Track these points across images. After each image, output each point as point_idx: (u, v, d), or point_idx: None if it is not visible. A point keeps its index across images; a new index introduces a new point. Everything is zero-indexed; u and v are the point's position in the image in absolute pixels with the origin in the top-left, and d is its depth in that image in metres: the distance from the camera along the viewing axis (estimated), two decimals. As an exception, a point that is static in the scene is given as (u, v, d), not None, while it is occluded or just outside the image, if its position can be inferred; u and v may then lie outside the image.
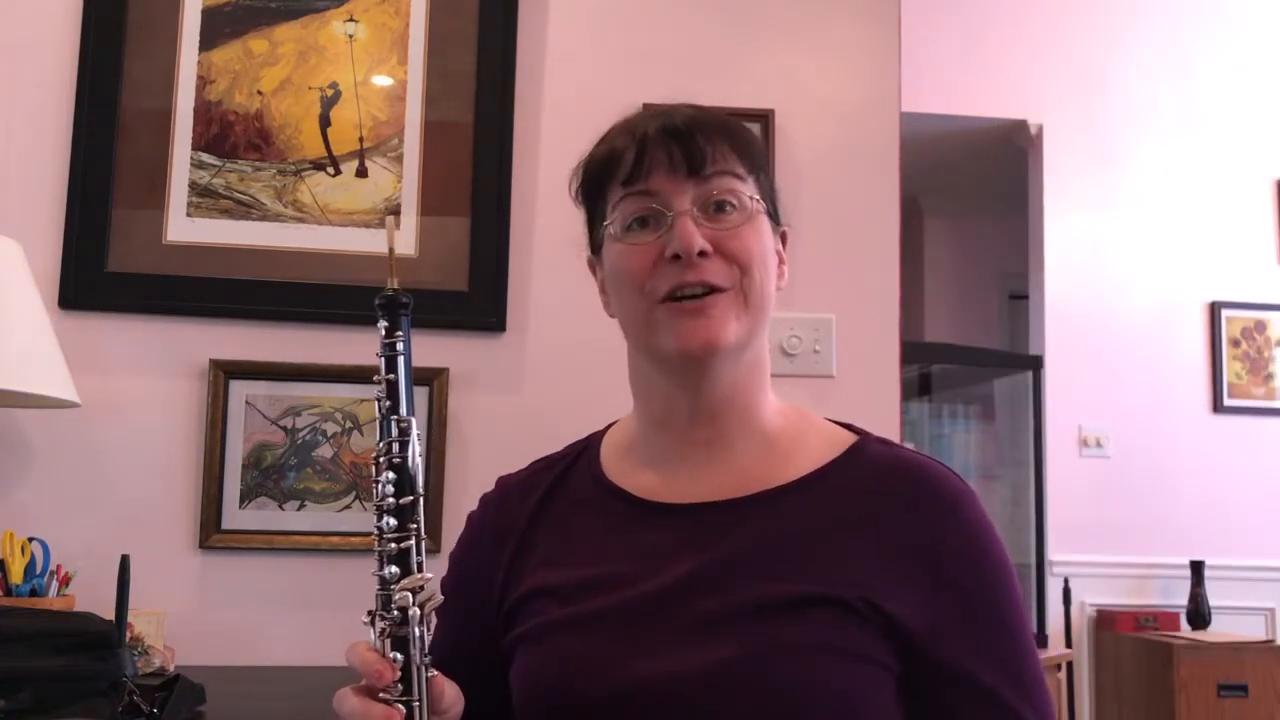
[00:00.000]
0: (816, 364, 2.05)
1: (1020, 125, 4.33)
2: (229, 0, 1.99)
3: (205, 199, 1.95)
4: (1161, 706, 3.67)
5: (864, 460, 0.94)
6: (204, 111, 1.97)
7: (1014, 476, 4.20)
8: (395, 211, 1.98)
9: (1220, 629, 3.97)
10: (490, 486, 1.06)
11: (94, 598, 1.60)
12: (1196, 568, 3.98)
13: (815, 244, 2.03)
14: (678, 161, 0.91)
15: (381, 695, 0.80)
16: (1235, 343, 4.27)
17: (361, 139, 1.99)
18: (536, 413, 1.98)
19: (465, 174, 2.00)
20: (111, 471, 1.88)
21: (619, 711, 0.85)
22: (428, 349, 1.94)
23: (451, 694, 0.84)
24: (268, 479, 1.91)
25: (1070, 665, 3.90)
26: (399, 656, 0.80)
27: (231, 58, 1.98)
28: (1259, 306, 4.29)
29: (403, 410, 0.84)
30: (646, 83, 2.05)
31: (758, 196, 0.94)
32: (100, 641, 1.33)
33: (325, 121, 1.99)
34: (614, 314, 0.98)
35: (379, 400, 0.85)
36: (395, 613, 0.80)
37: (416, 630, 0.81)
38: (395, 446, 0.84)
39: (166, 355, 1.92)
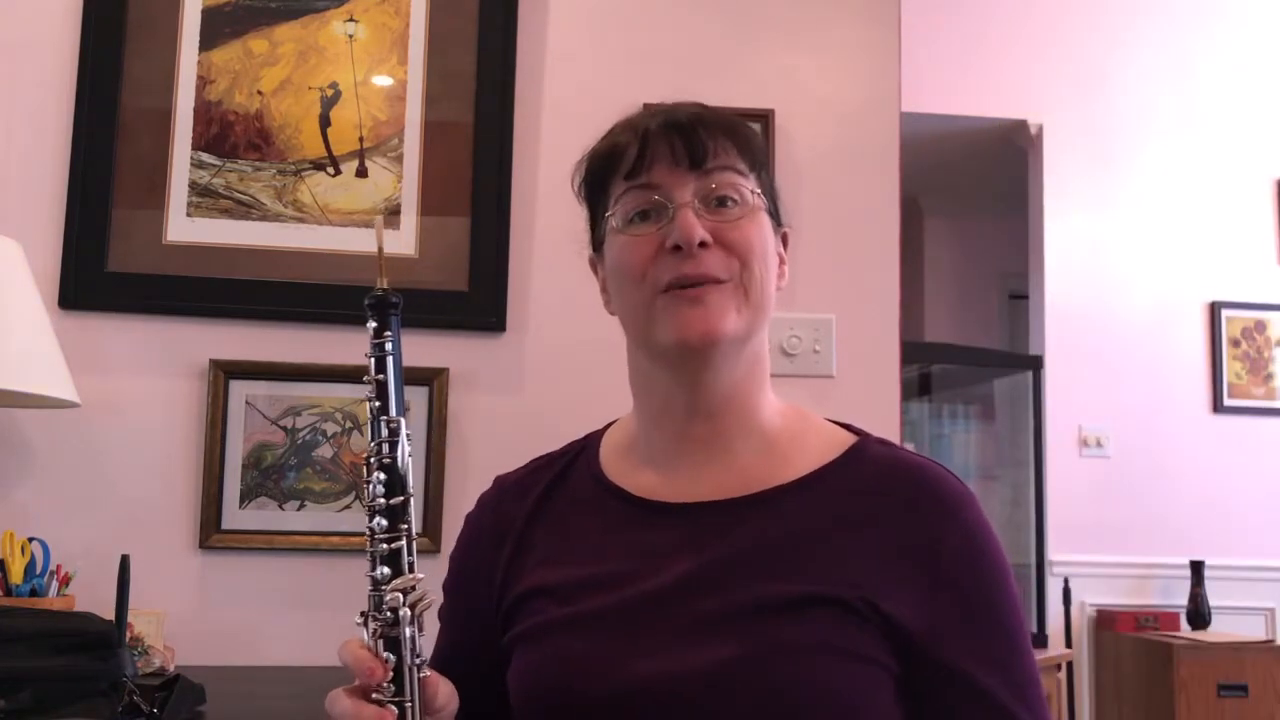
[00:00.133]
0: (816, 364, 2.05)
1: (1020, 125, 4.33)
2: (229, 0, 1.99)
3: (205, 199, 1.95)
4: (1161, 706, 3.67)
5: (864, 461, 0.94)
6: (204, 111, 1.97)
7: (1014, 476, 4.20)
8: (395, 211, 1.98)
9: (1220, 629, 3.97)
10: (490, 486, 1.06)
11: (94, 598, 1.60)
12: (1196, 568, 3.98)
13: (815, 244, 2.03)
14: (680, 155, 0.91)
15: (374, 696, 0.80)
16: (1235, 343, 4.27)
17: (361, 139, 1.99)
18: (536, 413, 1.98)
19: (465, 174, 2.00)
20: (111, 471, 1.88)
21: (618, 711, 0.85)
22: (428, 349, 1.94)
23: (445, 693, 0.84)
24: (268, 479, 1.91)
25: (1070, 665, 3.90)
26: (392, 657, 0.80)
27: (231, 58, 1.98)
28: (1259, 306, 4.29)
29: (392, 410, 0.84)
30: (646, 83, 2.05)
31: (759, 191, 0.94)
32: (100, 641, 1.33)
33: (325, 121, 1.99)
34: (614, 311, 0.98)
35: (369, 400, 0.84)
36: (387, 614, 0.81)
37: (408, 631, 0.81)
38: (385, 447, 0.84)
39: (166, 355, 1.92)
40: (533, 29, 2.07)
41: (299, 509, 1.91)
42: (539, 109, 2.05)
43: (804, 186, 2.06)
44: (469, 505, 1.06)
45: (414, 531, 0.84)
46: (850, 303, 2.08)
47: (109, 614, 1.42)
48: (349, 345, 1.92)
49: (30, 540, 1.70)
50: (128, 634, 1.49)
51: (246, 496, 1.90)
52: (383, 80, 2.01)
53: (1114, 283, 4.24)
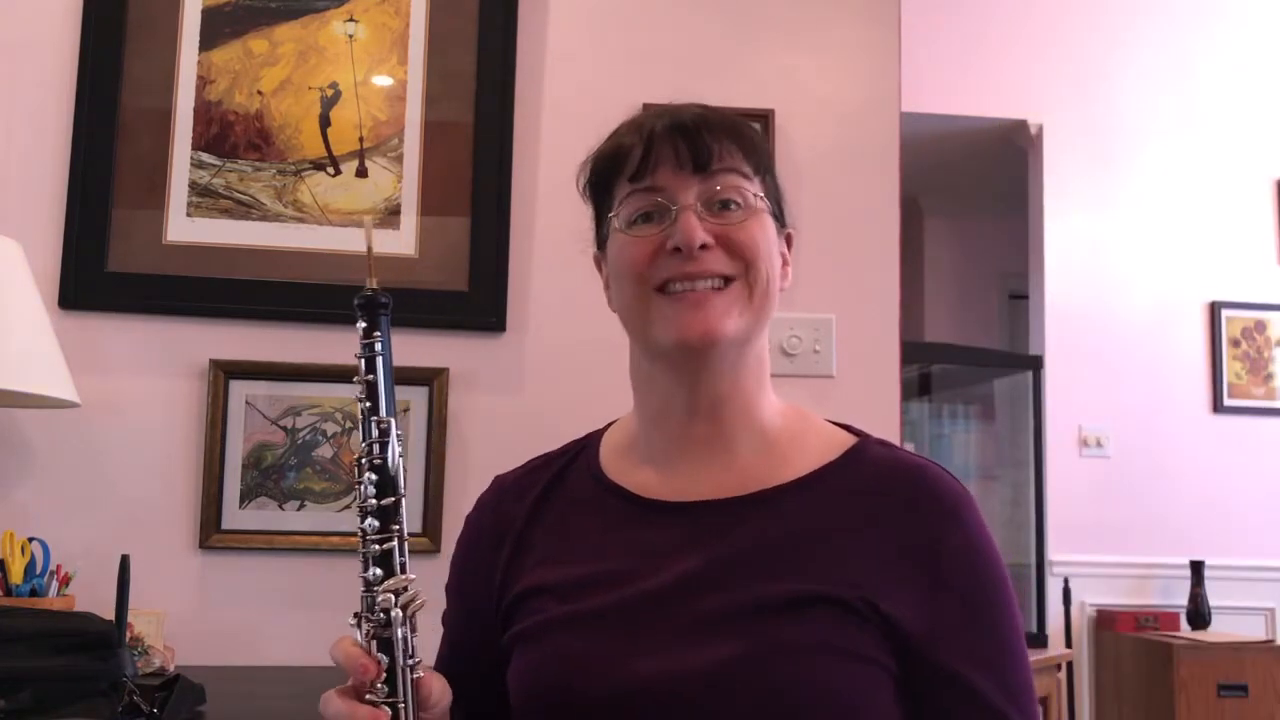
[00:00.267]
0: (816, 364, 2.05)
1: (1020, 125, 4.33)
2: (229, 0, 1.99)
3: (205, 199, 1.95)
4: (1161, 706, 3.67)
5: (864, 462, 0.94)
6: (204, 111, 1.97)
7: (1014, 476, 4.19)
8: (395, 211, 1.98)
9: (1220, 629, 3.97)
10: (488, 487, 1.06)
11: (94, 598, 1.60)
12: (1196, 568, 3.98)
13: (815, 244, 2.03)
14: (684, 158, 0.92)
15: (368, 696, 0.80)
16: (1235, 343, 4.27)
17: (361, 139, 1.99)
18: (536, 413, 1.98)
19: (465, 174, 2.00)
20: (111, 471, 1.88)
21: (619, 710, 0.86)
22: (428, 349, 1.94)
23: (438, 689, 0.84)
24: (268, 479, 1.91)
25: (1070, 665, 3.90)
26: (385, 658, 0.80)
27: (231, 58, 1.98)
28: (1259, 306, 4.29)
29: (382, 411, 0.84)
30: (646, 83, 2.05)
31: (761, 195, 0.94)
32: (100, 641, 1.33)
33: (325, 121, 1.99)
34: (616, 308, 0.98)
35: (359, 401, 0.84)
36: (380, 615, 0.80)
37: (400, 632, 0.81)
38: (376, 448, 0.83)
39: (166, 355, 1.92)
40: (533, 29, 2.07)
41: (299, 509, 1.91)
42: (539, 109, 2.05)
43: (804, 186, 2.06)
44: (469, 505, 1.06)
45: (405, 532, 0.84)
46: (850, 303, 2.08)
47: (109, 614, 1.42)
48: (349, 345, 1.89)
49: (30, 540, 1.70)
50: (128, 634, 1.49)
51: (246, 496, 1.90)
52: (383, 80, 2.01)
53: (1114, 283, 4.24)
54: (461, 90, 2.02)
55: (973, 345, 4.92)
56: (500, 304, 1.98)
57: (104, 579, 1.53)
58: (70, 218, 1.91)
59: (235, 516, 1.89)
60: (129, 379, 1.91)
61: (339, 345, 1.92)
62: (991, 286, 5.39)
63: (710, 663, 0.84)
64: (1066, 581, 4.03)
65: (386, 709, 0.79)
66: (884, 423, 2.03)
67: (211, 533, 1.88)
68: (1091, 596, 4.09)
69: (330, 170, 1.98)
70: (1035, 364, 4.10)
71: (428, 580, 0.86)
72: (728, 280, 0.91)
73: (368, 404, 0.84)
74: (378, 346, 0.85)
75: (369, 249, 0.86)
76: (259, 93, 1.98)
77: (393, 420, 0.84)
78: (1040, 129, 4.30)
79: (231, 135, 1.97)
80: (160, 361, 1.92)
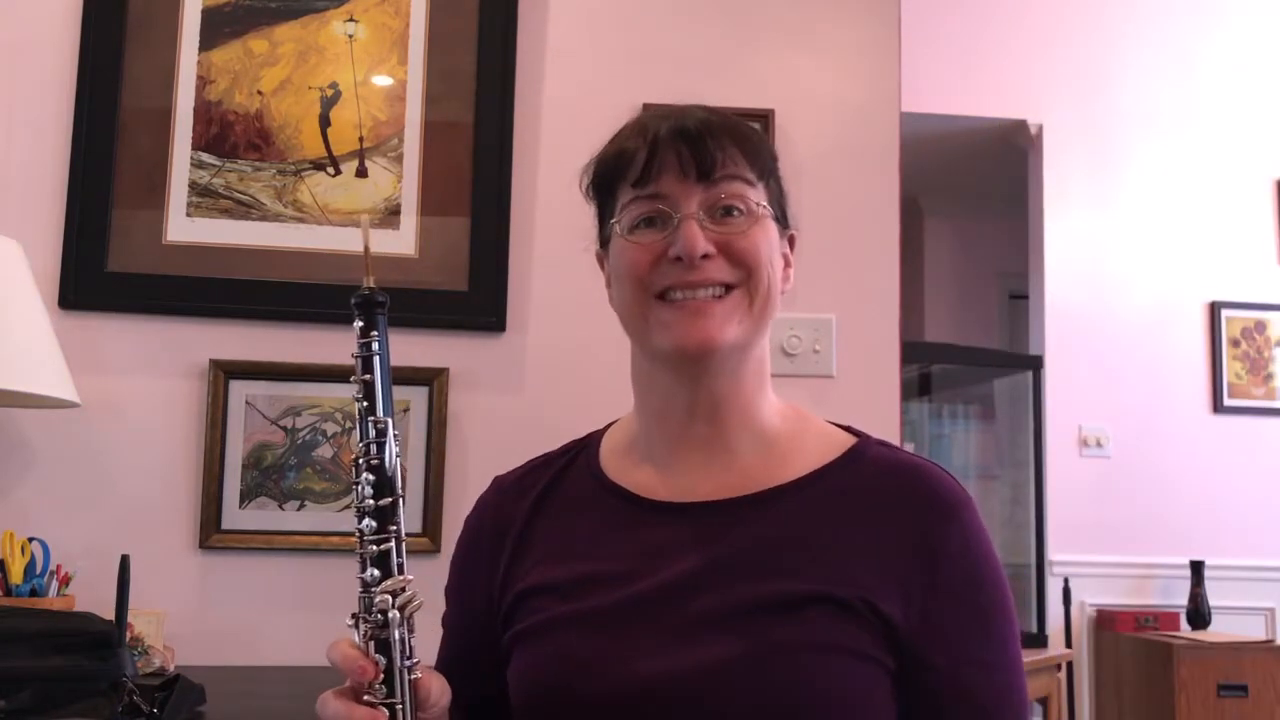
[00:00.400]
0: (816, 364, 2.05)
1: (1020, 125, 4.33)
2: (229, 0, 1.99)
3: (205, 199, 1.95)
4: (1161, 706, 3.67)
5: (863, 462, 0.94)
6: (204, 111, 1.97)
7: (1014, 476, 4.19)
8: (395, 211, 1.98)
9: (1220, 629, 3.97)
10: (488, 488, 1.06)
11: (94, 598, 1.60)
12: (1196, 568, 3.98)
13: (815, 244, 2.03)
14: (687, 165, 0.91)
15: (365, 697, 0.80)
16: (1235, 343, 4.27)
17: (361, 139, 1.99)
18: (536, 413, 1.98)
19: (465, 174, 2.00)
20: (111, 471, 1.88)
21: (619, 709, 0.86)
22: (428, 349, 1.94)
23: (437, 689, 0.84)
24: (268, 479, 1.91)
25: (1070, 665, 3.90)
26: (383, 659, 0.80)
27: (231, 58, 1.98)
28: (1259, 306, 4.29)
29: (379, 411, 0.83)
30: (646, 83, 2.06)
31: (764, 203, 0.94)
32: (100, 641, 1.33)
33: (325, 121, 1.99)
34: (617, 309, 0.98)
35: (357, 401, 0.84)
36: (377, 616, 0.80)
37: (397, 633, 0.80)
38: (373, 448, 0.83)
39: (166, 355, 1.92)
40: (533, 29, 2.07)
41: (299, 509, 1.91)
42: (539, 109, 2.05)
43: (804, 186, 2.05)
44: (469, 505, 1.06)
45: (403, 533, 0.84)
46: (850, 303, 2.08)
47: (109, 614, 1.42)
48: (349, 345, 1.90)
49: (30, 540, 1.70)
50: (128, 634, 1.49)
51: (246, 496, 1.90)
52: (383, 80, 2.01)
53: (1114, 283, 4.24)
54: (461, 90, 2.02)
55: (973, 345, 4.92)
56: (500, 304, 1.98)
57: (104, 579, 1.53)
58: (70, 218, 1.91)
59: (235, 516, 1.89)
60: (129, 379, 1.91)
61: (339, 345, 1.92)
62: (991, 286, 5.39)
63: (710, 662, 0.84)
64: (1066, 581, 4.03)
65: (384, 710, 0.79)
66: (884, 423, 2.03)
67: (211, 533, 1.88)
68: (1091, 596, 4.09)
69: (330, 170, 1.98)
70: (1035, 364, 4.10)
71: (428, 581, 0.86)
72: (729, 288, 0.91)
73: (365, 404, 0.84)
74: (375, 346, 0.84)
75: (365, 248, 0.86)
76: (259, 93, 1.98)
77: (390, 421, 0.84)
78: (1040, 129, 4.30)
79: (231, 135, 1.97)
80: (160, 361, 1.92)
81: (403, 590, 0.81)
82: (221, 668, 1.75)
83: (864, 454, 0.95)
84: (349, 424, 1.92)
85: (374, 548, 0.82)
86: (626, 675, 0.86)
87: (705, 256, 0.90)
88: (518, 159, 2.02)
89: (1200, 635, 3.84)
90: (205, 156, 1.96)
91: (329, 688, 0.82)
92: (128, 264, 1.92)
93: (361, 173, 1.98)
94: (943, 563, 0.88)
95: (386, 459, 0.83)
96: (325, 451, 1.92)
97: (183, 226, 1.94)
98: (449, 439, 1.94)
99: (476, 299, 1.98)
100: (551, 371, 2.00)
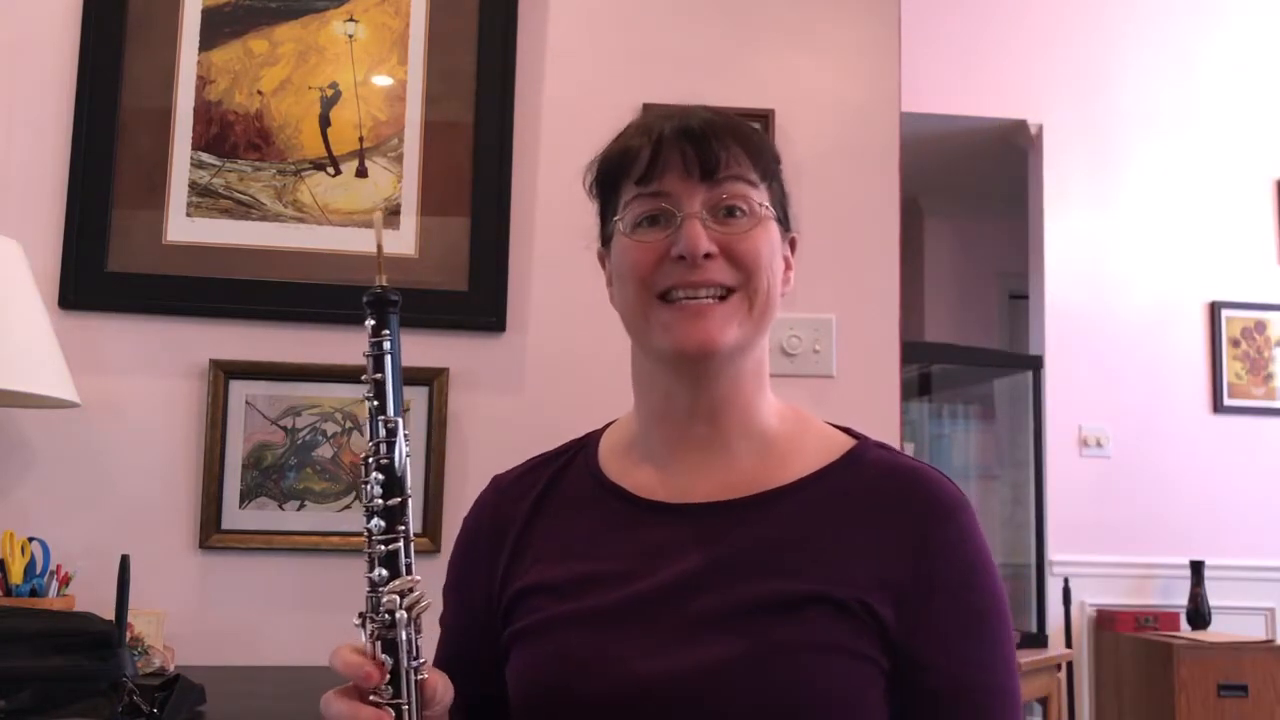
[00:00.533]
0: (816, 364, 2.05)
1: (1020, 125, 4.33)
2: (229, 0, 1.99)
3: (205, 199, 1.95)
4: (1161, 706, 3.67)
5: (862, 465, 0.94)
6: (204, 111, 1.97)
7: (1014, 476, 4.20)
8: (395, 211, 1.98)
9: (1220, 629, 3.97)
10: (486, 487, 1.06)
11: (94, 598, 1.61)
12: (1196, 568, 3.98)
13: (815, 244, 2.03)
14: (691, 164, 0.91)
15: (371, 698, 0.79)
16: (1235, 343, 4.27)
17: (361, 139, 1.99)
18: (536, 413, 1.98)
19: (465, 174, 2.00)
20: (111, 471, 1.88)
21: (617, 709, 0.86)
22: (428, 349, 1.94)
23: (441, 687, 0.84)
24: (268, 479, 1.91)
25: (1070, 665, 3.90)
26: (389, 660, 0.80)
27: (231, 58, 1.98)
28: (1259, 306, 4.29)
29: (390, 410, 0.83)
30: (646, 83, 2.06)
31: (767, 204, 0.94)
32: (100, 641, 1.33)
33: (325, 121, 1.99)
34: (618, 308, 0.99)
35: (367, 400, 0.83)
36: (384, 616, 0.80)
37: (405, 633, 0.80)
38: (383, 447, 0.83)
39: (166, 355, 1.92)
40: (533, 29, 2.07)
41: (299, 509, 1.91)
42: (539, 109, 2.05)
43: (804, 186, 2.05)
44: (469, 505, 1.06)
45: (412, 533, 0.84)
46: (850, 303, 2.08)
47: (109, 614, 1.42)
48: (349, 345, 1.92)
49: (30, 540, 1.70)
50: (128, 634, 1.49)
51: (246, 496, 1.90)
52: (383, 80, 2.01)
53: (1114, 283, 4.24)
54: (461, 90, 2.02)
55: (973, 345, 4.92)
56: (500, 304, 1.98)
57: (104, 579, 1.53)
58: (70, 218, 1.91)
59: (235, 516, 1.89)
60: (129, 379, 1.91)
61: (339, 345, 1.92)
62: (991, 286, 5.39)
63: (708, 662, 0.85)
64: (1066, 581, 4.03)
65: (389, 710, 0.79)
66: (884, 423, 2.03)
67: (211, 533, 1.88)
68: (1091, 596, 4.09)
69: (330, 170, 1.98)
70: (1035, 364, 4.10)
71: (428, 581, 0.86)
72: (729, 291, 0.91)
73: (375, 403, 0.83)
74: (386, 345, 0.83)
75: (379, 246, 0.85)
76: (259, 93, 1.98)
77: (400, 420, 0.83)
78: (1040, 129, 4.30)
79: (231, 135, 1.97)
80: (160, 361, 1.92)
81: (411, 590, 0.81)
82: (221, 668, 1.75)
83: (863, 456, 0.95)
84: (349, 424, 1.92)
85: (382, 547, 0.81)
86: (626, 675, 0.86)
87: (708, 256, 0.90)
88: (518, 159, 2.02)
89: (1200, 635, 3.84)
90: (205, 156, 1.96)
91: (329, 688, 0.81)
92: (128, 264, 1.92)
93: (361, 173, 1.98)
94: (939, 565, 0.88)
95: (396, 458, 0.83)
96: (325, 451, 1.92)
97: (183, 226, 1.94)
98: (449, 439, 1.94)
99: (476, 299, 1.98)
100: (551, 371, 2.00)
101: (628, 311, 0.95)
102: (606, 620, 0.89)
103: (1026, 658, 3.34)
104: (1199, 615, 3.93)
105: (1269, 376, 4.29)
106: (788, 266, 0.99)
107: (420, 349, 1.93)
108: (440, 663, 1.00)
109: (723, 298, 0.91)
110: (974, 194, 5.25)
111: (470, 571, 1.01)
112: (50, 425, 1.87)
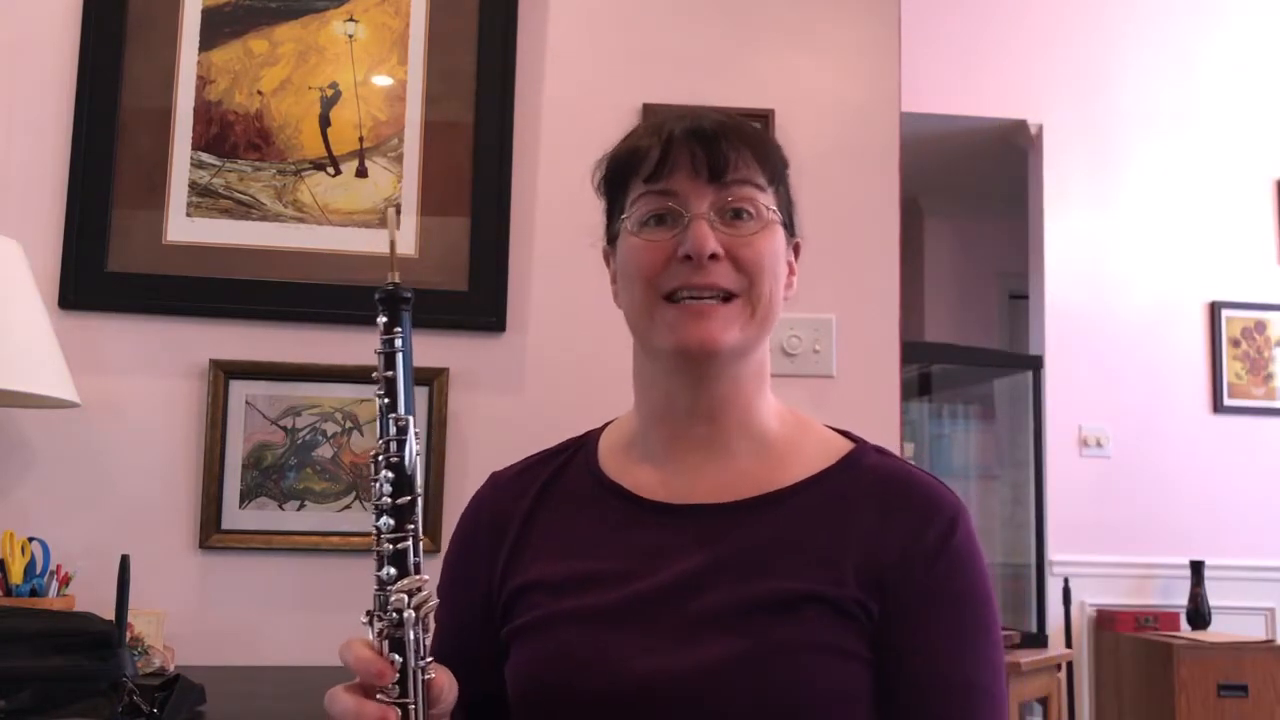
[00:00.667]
0: (816, 364, 2.05)
1: (1020, 125, 4.33)
2: (229, 0, 1.99)
3: (205, 199, 1.95)
4: (1161, 706, 3.67)
5: (860, 469, 0.95)
6: (204, 111, 1.97)
7: (1014, 476, 4.19)
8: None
9: (1220, 629, 3.97)
10: (484, 483, 1.06)
11: (94, 598, 1.60)
12: (1196, 568, 3.98)
13: (815, 244, 2.02)
14: (700, 165, 0.92)
15: (378, 696, 0.79)
16: (1235, 343, 4.27)
17: (361, 139, 1.99)
18: (536, 413, 1.98)
19: (465, 174, 2.00)
20: (111, 471, 1.88)
21: (615, 707, 0.86)
22: (428, 349, 1.94)
23: (446, 684, 0.84)
24: (268, 479, 1.91)
25: (1070, 665, 3.90)
26: (397, 658, 0.79)
27: (231, 58, 1.98)
28: (1259, 306, 4.29)
29: (401, 409, 0.83)
30: (646, 83, 2.06)
31: (774, 208, 0.95)
32: (100, 641, 1.33)
33: (325, 121, 1.99)
34: (622, 306, 0.99)
35: (378, 398, 0.83)
36: (392, 614, 0.80)
37: (413, 633, 0.80)
38: (393, 446, 0.82)
39: (166, 355, 1.92)
40: (533, 29, 2.07)
41: (299, 509, 1.91)
42: (539, 109, 2.05)
43: (804, 186, 2.04)
44: (469, 505, 1.06)
45: (421, 532, 0.83)
46: (850, 303, 2.08)
47: (109, 614, 1.42)
48: (349, 345, 1.92)
49: (30, 540, 1.70)
50: (128, 634, 1.49)
51: (246, 496, 1.90)
52: (383, 80, 2.01)
53: (1114, 283, 4.24)
54: (461, 90, 2.02)
55: (973, 345, 4.92)
56: (500, 304, 1.98)
57: (104, 579, 1.53)
58: (70, 218, 1.91)
59: (235, 516, 1.89)
60: (129, 379, 1.91)
61: (339, 345, 1.92)
62: (991, 286, 5.39)
63: (707, 662, 0.85)
64: (1066, 581, 4.03)
65: (396, 708, 0.78)
66: (884, 423, 2.04)
67: (211, 533, 1.88)
68: (1091, 596, 4.09)
69: (330, 170, 1.98)
70: (1035, 364, 4.10)
71: (431, 580, 0.86)
72: (731, 295, 0.92)
73: (386, 401, 0.83)
74: (398, 343, 0.83)
75: (391, 242, 0.85)
76: (259, 93, 1.98)
77: (410, 419, 0.83)
78: (1040, 129, 4.30)
79: (231, 135, 1.97)
80: (160, 361, 1.92)
81: (419, 590, 0.81)
82: (221, 668, 1.75)
83: (860, 460, 0.96)
84: (349, 424, 1.92)
85: (390, 546, 0.81)
86: (625, 673, 0.86)
87: (713, 257, 0.90)
88: (518, 159, 2.02)
89: (1200, 635, 3.84)
90: (205, 156, 1.96)
91: (329, 688, 0.81)
92: (128, 264, 1.92)
93: (361, 173, 1.98)
94: (933, 568, 0.89)
95: (406, 456, 0.82)
96: (325, 451, 1.92)
97: (183, 226, 1.94)
98: (449, 439, 1.94)
99: (476, 299, 1.98)
100: (551, 371, 2.00)
101: (632, 310, 0.96)
102: (606, 619, 0.90)
103: (1026, 658, 3.34)
104: (1199, 615, 3.93)
105: (1269, 376, 4.29)
106: (791, 271, 0.99)
107: (420, 349, 1.91)
108: (438, 660, 1.00)
109: (725, 300, 0.91)
110: (974, 194, 5.25)
111: (469, 567, 1.01)
112: (50, 425, 1.87)
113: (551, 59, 2.08)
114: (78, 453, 1.88)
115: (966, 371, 4.31)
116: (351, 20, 2.02)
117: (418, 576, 0.81)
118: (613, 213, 0.99)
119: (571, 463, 1.03)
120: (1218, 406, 4.23)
